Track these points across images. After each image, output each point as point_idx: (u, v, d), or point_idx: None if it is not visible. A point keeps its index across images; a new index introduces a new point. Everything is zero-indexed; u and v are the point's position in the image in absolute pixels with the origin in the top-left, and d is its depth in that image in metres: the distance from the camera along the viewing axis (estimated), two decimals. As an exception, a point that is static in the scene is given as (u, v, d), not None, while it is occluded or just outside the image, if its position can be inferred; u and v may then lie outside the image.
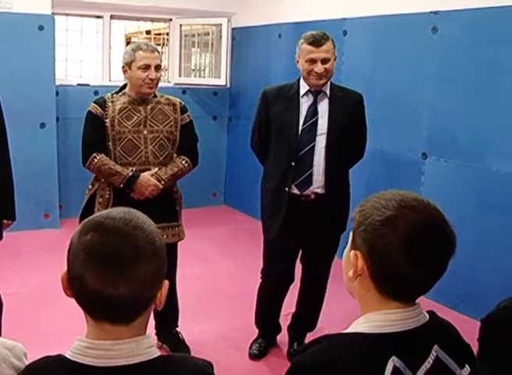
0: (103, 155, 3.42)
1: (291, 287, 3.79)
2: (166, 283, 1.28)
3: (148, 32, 9.33)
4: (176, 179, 3.57)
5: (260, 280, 3.79)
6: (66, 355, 1.23)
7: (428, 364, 1.30)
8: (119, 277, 1.16)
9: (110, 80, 6.82)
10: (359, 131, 3.62)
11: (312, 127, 3.44)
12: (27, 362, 1.34)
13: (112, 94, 3.50)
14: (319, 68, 3.34)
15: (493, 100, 4.27)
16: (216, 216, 7.16)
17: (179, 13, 7.01)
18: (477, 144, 4.40)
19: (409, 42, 4.92)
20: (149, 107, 3.48)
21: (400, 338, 1.30)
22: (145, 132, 3.45)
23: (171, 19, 7.11)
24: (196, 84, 7.13)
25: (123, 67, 3.43)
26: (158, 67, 3.43)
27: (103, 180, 3.48)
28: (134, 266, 1.18)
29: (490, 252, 4.29)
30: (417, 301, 1.37)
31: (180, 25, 7.05)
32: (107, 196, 3.46)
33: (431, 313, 1.40)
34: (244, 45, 7.03)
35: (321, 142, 3.44)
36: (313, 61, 3.35)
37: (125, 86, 3.54)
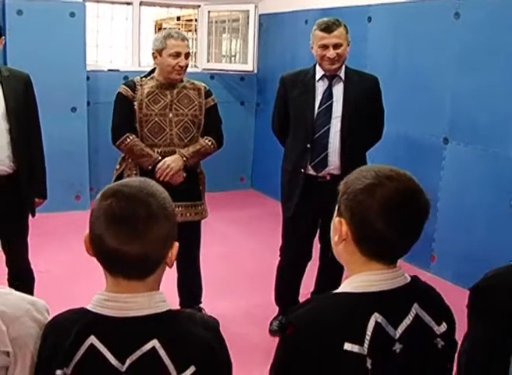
0: (135, 136, 3.57)
1: (312, 266, 3.92)
2: (176, 244, 1.41)
3: (178, 18, 9.43)
4: (199, 157, 3.71)
5: (279, 259, 3.93)
6: (87, 307, 1.39)
7: (408, 320, 1.44)
8: (134, 237, 1.32)
9: (139, 65, 6.98)
10: (375, 114, 3.72)
11: (327, 110, 3.56)
12: (49, 317, 1.48)
13: (141, 78, 3.65)
14: (331, 53, 3.47)
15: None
16: (243, 199, 7.29)
17: (208, 0, 7.12)
18: (497, 130, 4.43)
19: (432, 28, 4.95)
20: (175, 91, 3.62)
21: (382, 297, 1.43)
22: (171, 115, 3.59)
23: (199, 6, 7.23)
24: (223, 70, 7.25)
25: (153, 53, 3.57)
26: (187, 55, 3.57)
27: (130, 160, 3.63)
28: (147, 228, 1.33)
29: (508, 237, 4.35)
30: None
31: (208, 11, 7.17)
32: (134, 175, 3.61)
33: (413, 277, 1.52)
34: (271, 31, 7.11)
35: (336, 125, 3.56)
36: (325, 46, 3.48)
37: (153, 70, 3.68)
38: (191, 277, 3.91)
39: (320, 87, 3.60)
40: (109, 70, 6.79)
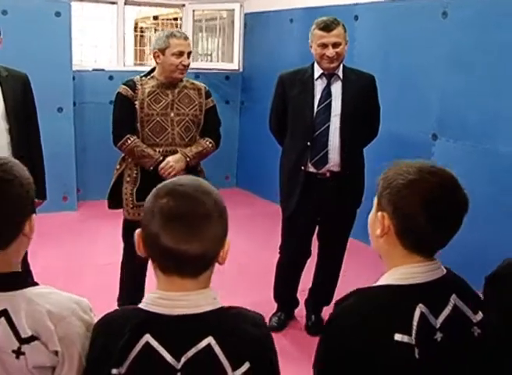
0: (135, 137, 3.57)
1: (308, 263, 3.97)
2: (228, 242, 1.44)
3: (156, 17, 9.41)
4: (200, 158, 3.74)
5: (278, 256, 3.96)
6: (139, 306, 1.41)
7: (447, 310, 1.50)
8: (191, 236, 1.33)
9: (124, 64, 6.97)
10: (372, 112, 3.78)
11: (326, 109, 3.60)
12: (93, 316, 1.50)
13: (141, 77, 3.64)
14: (330, 52, 3.50)
15: (502, 82, 4.38)
16: (229, 197, 7.11)
17: (192, -1, 7.14)
18: (486, 126, 4.52)
19: (419, 27, 5.03)
20: (176, 91, 3.63)
21: (424, 288, 1.50)
22: (172, 115, 3.60)
23: (184, 5, 7.23)
24: (209, 69, 7.26)
25: (155, 53, 3.55)
26: (189, 54, 3.58)
27: (130, 160, 3.64)
28: (204, 226, 1.35)
29: (500, 232, 4.42)
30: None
31: (193, 10, 7.18)
32: (134, 175, 3.62)
33: (448, 269, 1.58)
34: (256, 30, 7.15)
35: (335, 122, 3.60)
36: (324, 45, 3.51)
37: (152, 70, 3.68)
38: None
39: (319, 86, 3.64)
40: (94, 70, 6.76)
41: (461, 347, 1.51)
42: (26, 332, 1.41)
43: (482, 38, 4.50)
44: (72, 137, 6.36)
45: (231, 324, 1.40)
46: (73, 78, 6.37)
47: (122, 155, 3.71)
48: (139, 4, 7.20)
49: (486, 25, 4.47)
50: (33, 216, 1.55)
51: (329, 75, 3.62)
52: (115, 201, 3.73)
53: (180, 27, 7.46)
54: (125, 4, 6.87)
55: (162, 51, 3.53)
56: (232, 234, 5.10)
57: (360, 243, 4.61)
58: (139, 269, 3.72)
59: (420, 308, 1.45)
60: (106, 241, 5.59)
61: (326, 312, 4.07)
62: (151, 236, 1.35)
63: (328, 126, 3.60)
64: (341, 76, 3.64)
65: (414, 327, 1.43)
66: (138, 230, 1.42)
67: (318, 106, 3.61)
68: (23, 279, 1.52)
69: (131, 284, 3.79)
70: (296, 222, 3.75)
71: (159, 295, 1.39)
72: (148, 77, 3.64)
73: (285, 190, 3.81)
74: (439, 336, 1.46)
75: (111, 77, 6.76)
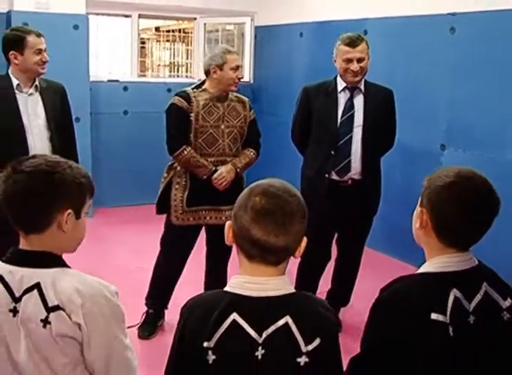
0: (190, 147, 3.75)
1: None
2: (305, 238, 1.64)
3: (157, 29, 9.57)
4: (247, 167, 3.98)
5: (299, 260, 4.15)
6: (226, 289, 1.62)
7: (479, 296, 1.72)
8: (279, 230, 1.54)
9: (138, 75, 7.18)
10: (390, 123, 4.01)
11: (349, 120, 3.83)
12: (118, 300, 1.72)
13: (193, 89, 3.84)
14: (355, 66, 3.72)
15: (508, 93, 4.62)
16: None
17: (204, 12, 7.36)
18: (493, 136, 4.75)
19: (428, 41, 5.26)
20: (226, 104, 3.84)
21: (458, 276, 1.72)
22: (223, 127, 3.81)
23: (195, 18, 7.46)
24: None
25: (213, 68, 3.75)
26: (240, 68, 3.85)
27: (178, 168, 3.82)
28: (289, 223, 1.55)
29: (506, 238, 4.58)
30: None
31: (204, 24, 7.40)
32: (183, 183, 3.82)
33: (479, 260, 1.81)
34: (266, 43, 7.36)
35: (357, 133, 3.83)
36: (349, 60, 3.72)
37: (202, 83, 3.88)
38: (223, 275, 4.03)
39: (342, 98, 3.86)
40: (109, 81, 6.97)
41: (492, 329, 1.73)
42: (52, 302, 1.63)
43: (489, 52, 4.74)
44: (89, 146, 6.54)
45: (304, 306, 1.61)
46: (90, 89, 6.56)
47: (170, 163, 3.90)
48: (152, 17, 7.42)
49: (492, 39, 4.71)
50: (83, 218, 1.77)
51: (352, 88, 3.84)
52: (163, 207, 3.90)
53: (191, 40, 7.68)
54: (139, 17, 7.10)
55: (220, 66, 3.73)
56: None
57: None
58: (173, 272, 3.96)
59: (454, 293, 1.67)
60: (123, 246, 5.80)
61: (344, 312, 4.28)
62: (243, 228, 1.56)
63: (351, 137, 3.82)
64: (363, 89, 3.87)
65: (449, 309, 1.65)
66: (229, 222, 1.64)
67: (342, 117, 3.83)
68: (56, 259, 1.73)
69: (163, 285, 3.99)
70: (318, 227, 3.94)
71: (246, 280, 1.60)
72: (200, 90, 3.83)
73: (306, 196, 3.99)
74: (471, 319, 1.68)
75: (125, 88, 6.98)
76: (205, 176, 3.77)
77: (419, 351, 1.65)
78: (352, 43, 3.70)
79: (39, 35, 3.59)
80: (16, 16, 6.01)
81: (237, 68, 3.78)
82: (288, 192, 1.60)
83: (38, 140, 3.56)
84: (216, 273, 4.05)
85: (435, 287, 1.69)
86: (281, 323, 1.55)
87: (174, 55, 8.47)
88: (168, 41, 8.58)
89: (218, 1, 7.16)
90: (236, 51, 3.89)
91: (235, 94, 3.97)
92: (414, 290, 1.69)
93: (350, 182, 3.87)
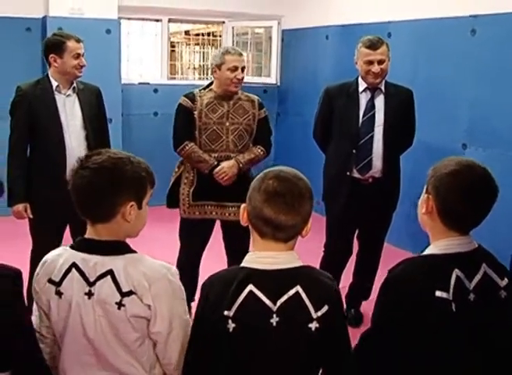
0: (193, 143, 3.93)
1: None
2: (310, 221, 1.82)
3: (187, 32, 9.74)
4: (252, 163, 4.08)
5: (322, 254, 4.31)
6: (241, 265, 1.82)
7: (479, 276, 1.89)
8: (288, 210, 1.73)
9: (168, 78, 7.40)
10: (409, 122, 4.14)
11: (371, 119, 3.97)
12: (179, 280, 1.94)
13: (200, 90, 4.02)
14: (376, 68, 3.86)
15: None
16: None
17: (231, 16, 7.55)
18: (513, 135, 4.86)
19: (449, 43, 5.38)
20: (231, 102, 3.98)
21: (460, 257, 1.89)
22: (227, 124, 3.95)
23: (223, 22, 7.66)
24: (248, 82, 7.63)
25: (213, 68, 3.94)
26: (243, 68, 3.94)
27: (188, 164, 4.01)
28: (298, 203, 1.75)
29: (505, 225, 4.66)
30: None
31: (233, 27, 7.59)
32: (191, 177, 3.99)
33: (479, 244, 1.98)
34: (293, 46, 7.52)
35: (378, 132, 3.97)
36: (370, 62, 3.87)
37: (211, 83, 4.05)
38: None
39: (363, 99, 4.00)
40: (140, 83, 7.19)
41: (490, 306, 1.90)
42: (126, 287, 1.83)
43: (508, 53, 4.84)
44: (121, 146, 6.75)
45: (313, 276, 1.80)
46: (121, 91, 6.79)
47: (181, 159, 4.07)
48: (181, 21, 7.63)
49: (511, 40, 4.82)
50: (145, 207, 1.95)
51: (373, 89, 3.99)
52: (173, 201, 4.07)
53: (220, 43, 7.87)
54: (169, 21, 7.31)
55: (219, 66, 3.89)
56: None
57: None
58: (189, 264, 4.10)
59: (456, 273, 1.84)
60: (156, 243, 5.98)
61: (365, 305, 4.41)
62: (256, 208, 1.75)
63: (372, 136, 3.96)
64: (383, 90, 4.01)
65: (451, 287, 1.82)
66: (244, 205, 1.83)
67: (363, 117, 3.97)
68: (124, 246, 1.92)
69: (185, 276, 4.16)
70: (341, 223, 4.10)
71: (259, 255, 1.80)
72: (207, 90, 4.01)
73: (329, 193, 4.17)
74: (471, 296, 1.85)
75: (155, 90, 7.20)
76: (207, 171, 3.90)
77: (424, 326, 1.82)
78: (373, 45, 3.84)
79: (78, 41, 3.78)
80: (51, 22, 6.26)
81: (235, 69, 3.86)
82: (297, 176, 1.79)
83: (74, 138, 3.75)
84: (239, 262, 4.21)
85: (439, 267, 1.85)
86: (292, 292, 1.73)
87: (204, 58, 8.64)
88: (197, 44, 8.75)
89: (246, 5, 7.33)
90: (240, 52, 3.96)
91: (245, 93, 4.10)
92: (420, 270, 1.86)
93: (370, 180, 4.00)
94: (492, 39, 5.00)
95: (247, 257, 1.83)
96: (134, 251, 1.93)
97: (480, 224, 1.94)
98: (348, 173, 4.00)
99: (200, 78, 8.36)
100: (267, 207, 1.73)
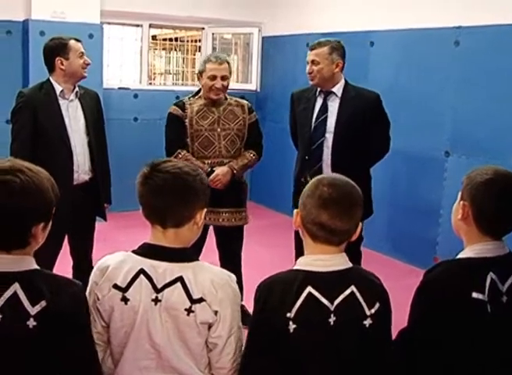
0: (185, 151, 3.96)
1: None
2: (361, 225, 1.92)
3: (154, 37, 9.71)
4: (246, 169, 4.12)
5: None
6: (296, 268, 1.91)
7: (511, 279, 2.00)
8: (343, 216, 1.84)
9: (148, 83, 7.39)
10: (378, 129, 3.95)
11: (322, 124, 3.91)
12: (237, 287, 2.00)
13: (189, 98, 4.04)
14: (309, 70, 3.91)
15: (509, 102, 4.79)
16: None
17: (212, 22, 7.56)
18: (497, 143, 4.90)
19: (433, 53, 5.42)
20: (221, 108, 4.01)
21: (494, 261, 2.00)
22: (219, 130, 3.98)
23: (203, 28, 7.67)
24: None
25: (197, 75, 4.00)
26: (223, 77, 3.92)
27: None
28: (353, 210, 1.87)
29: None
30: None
31: (212, 33, 7.61)
32: None
33: (510, 250, 2.07)
34: (273, 53, 7.53)
35: (329, 138, 3.89)
36: (307, 63, 3.94)
37: (199, 90, 4.07)
38: (236, 276, 4.26)
39: (318, 103, 3.96)
40: (120, 88, 7.16)
41: None
42: (196, 294, 1.88)
43: (491, 65, 4.91)
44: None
45: (364, 277, 1.95)
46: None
47: None
48: (162, 27, 7.63)
49: (495, 53, 4.89)
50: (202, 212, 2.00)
51: (326, 92, 3.93)
52: None
53: (199, 49, 7.90)
54: (149, 27, 7.31)
55: (201, 73, 3.94)
56: (254, 244, 5.29)
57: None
58: None
59: (491, 276, 1.95)
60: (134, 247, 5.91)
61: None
62: (312, 213, 1.85)
63: (323, 142, 3.89)
64: (339, 94, 3.91)
65: (487, 289, 1.92)
66: (296, 210, 1.92)
67: (316, 121, 3.92)
68: (191, 254, 2.00)
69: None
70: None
71: (314, 258, 1.90)
72: (196, 97, 4.04)
73: (294, 199, 4.06)
74: (504, 298, 1.97)
75: (135, 95, 7.18)
76: None
77: (462, 326, 1.92)
78: (311, 46, 3.94)
79: (78, 40, 3.75)
80: (33, 25, 6.21)
81: (214, 77, 3.87)
82: (350, 184, 1.91)
83: (78, 144, 3.72)
84: (234, 267, 4.19)
85: (475, 269, 1.96)
86: (348, 292, 1.86)
87: (170, 63, 8.63)
88: (164, 48, 8.73)
89: (227, 12, 7.34)
90: (221, 61, 3.93)
91: (234, 98, 4.14)
92: (458, 272, 1.97)
93: None
94: (475, 50, 5.05)
95: (301, 260, 1.92)
96: (197, 259, 1.99)
97: None
98: (303, 180, 3.89)
99: (177, 84, 8.35)
100: (323, 213, 1.82)
